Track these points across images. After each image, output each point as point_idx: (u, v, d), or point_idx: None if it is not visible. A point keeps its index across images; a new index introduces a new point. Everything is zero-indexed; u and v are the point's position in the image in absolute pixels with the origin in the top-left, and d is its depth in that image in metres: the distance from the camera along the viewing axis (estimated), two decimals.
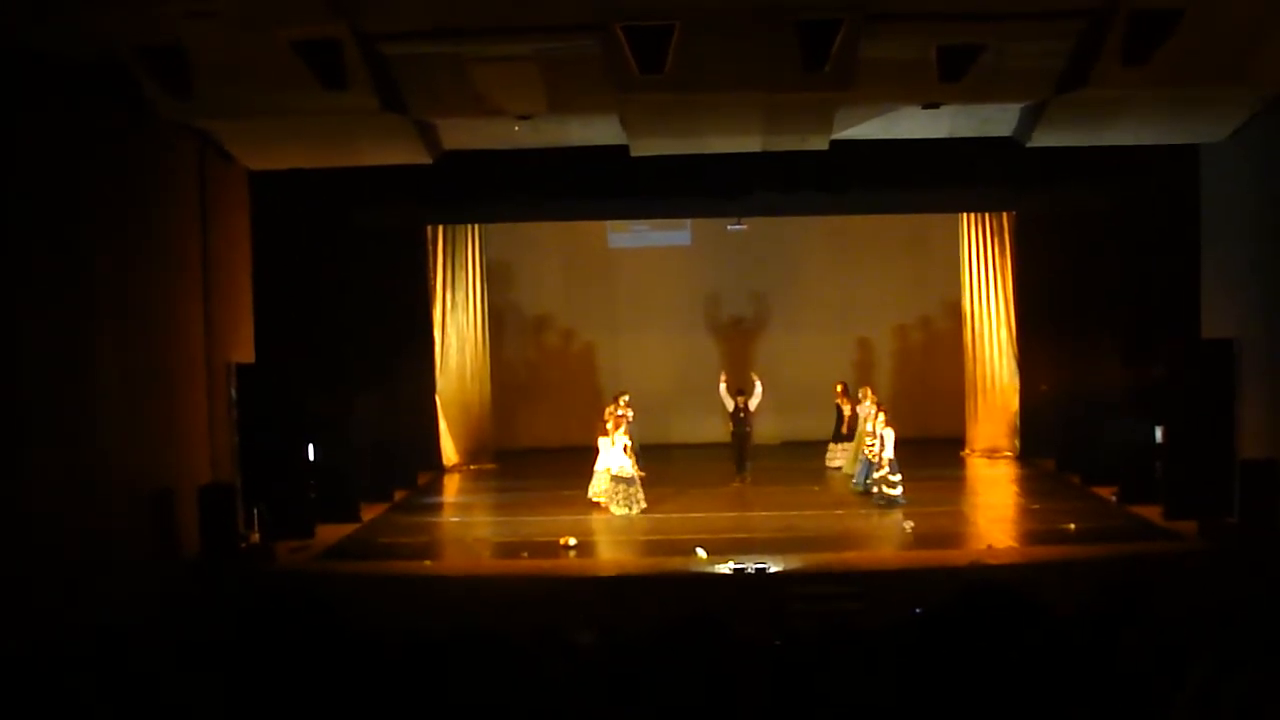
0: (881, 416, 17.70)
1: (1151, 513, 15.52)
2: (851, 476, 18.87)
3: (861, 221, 22.21)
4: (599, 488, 17.39)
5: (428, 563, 14.69)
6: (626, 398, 19.75)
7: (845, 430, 20.22)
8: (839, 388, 20.59)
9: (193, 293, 14.08)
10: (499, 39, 11.68)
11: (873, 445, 17.73)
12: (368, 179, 15.19)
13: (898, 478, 17.11)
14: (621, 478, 17.15)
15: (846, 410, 20.17)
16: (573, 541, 14.98)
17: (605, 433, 17.58)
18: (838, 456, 20.25)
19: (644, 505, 17.09)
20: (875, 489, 17.36)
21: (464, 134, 14.32)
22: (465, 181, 15.69)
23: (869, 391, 19.62)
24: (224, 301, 14.65)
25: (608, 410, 18.51)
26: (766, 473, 19.65)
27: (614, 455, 17.25)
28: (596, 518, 17.01)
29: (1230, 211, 14.55)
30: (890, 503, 17.04)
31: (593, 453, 17.78)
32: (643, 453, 19.27)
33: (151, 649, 4.54)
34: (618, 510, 16.96)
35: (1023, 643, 2.96)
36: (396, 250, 19.54)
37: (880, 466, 17.29)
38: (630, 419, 19.08)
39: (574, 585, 13.10)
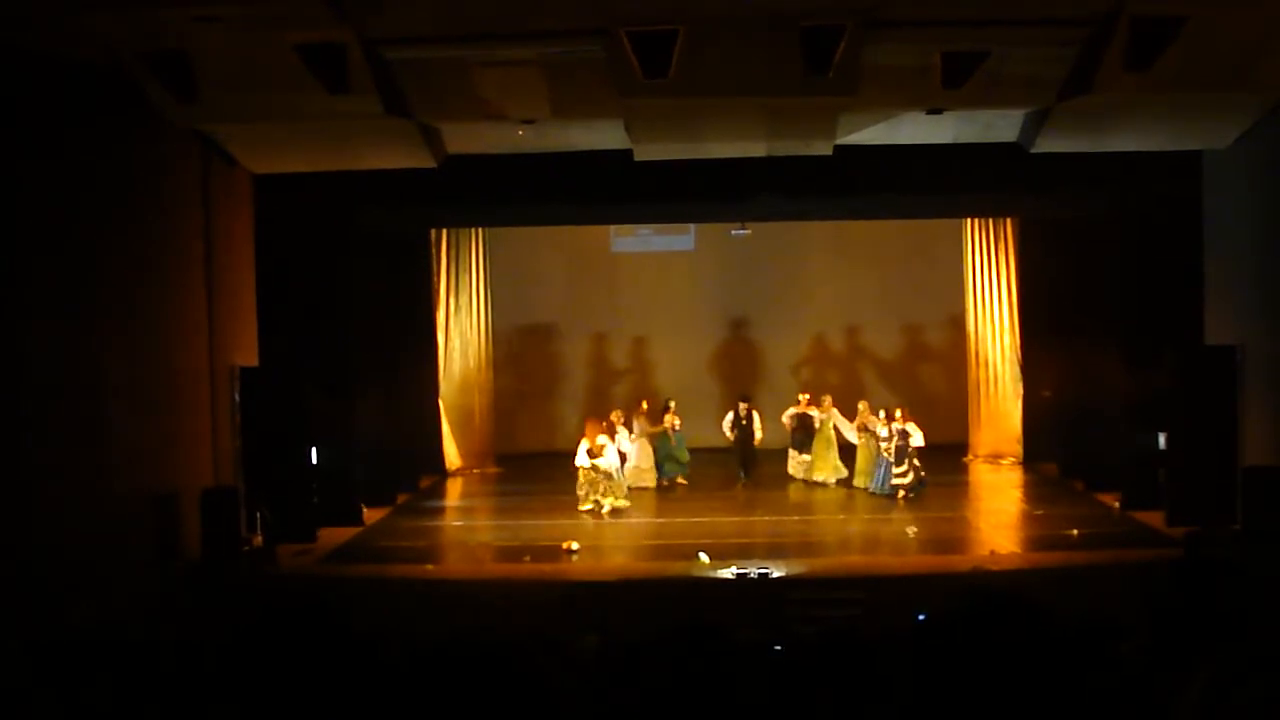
0: (899, 412, 18.09)
1: (1154, 519, 15.50)
2: (838, 481, 19.11)
3: (864, 227, 22.20)
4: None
5: (430, 566, 14.70)
6: (673, 403, 19.88)
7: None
8: (804, 397, 20.08)
9: (196, 296, 14.10)
10: (503, 44, 11.70)
11: (888, 446, 18.00)
12: (371, 183, 15.19)
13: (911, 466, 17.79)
14: (603, 470, 17.56)
15: (826, 418, 19.58)
16: (575, 546, 14.99)
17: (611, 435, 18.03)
18: (800, 467, 19.84)
19: (612, 504, 17.46)
20: (905, 478, 17.77)
21: (468, 138, 14.34)
22: (469, 186, 15.68)
23: (828, 401, 19.62)
24: (227, 305, 14.66)
25: (614, 414, 18.73)
26: (769, 477, 19.66)
27: (610, 453, 17.67)
28: (598, 522, 17.03)
29: (1233, 218, 14.54)
30: (919, 486, 17.75)
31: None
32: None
33: (153, 651, 4.54)
34: (591, 501, 17.44)
35: (1025, 649, 2.96)
36: (400, 254, 19.55)
37: (900, 462, 17.73)
38: (677, 426, 19.48)
39: (576, 589, 13.10)
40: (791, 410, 19.94)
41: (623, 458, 18.38)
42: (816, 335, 23.83)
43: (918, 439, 17.86)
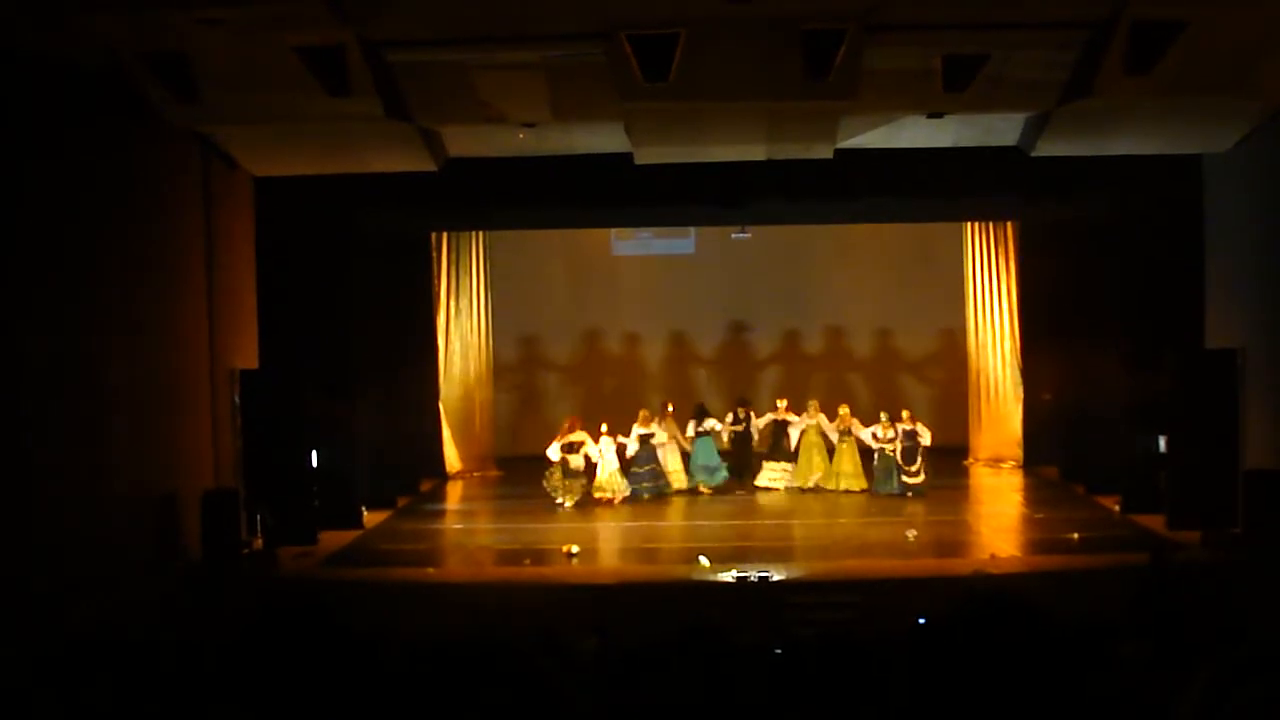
0: (906, 413, 18.73)
1: (1155, 523, 15.49)
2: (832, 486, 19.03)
3: (865, 230, 22.22)
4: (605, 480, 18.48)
5: (430, 570, 14.69)
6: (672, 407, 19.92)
7: (792, 447, 19.40)
8: (782, 403, 19.70)
9: (197, 298, 14.10)
10: (504, 47, 11.70)
11: (891, 448, 18.40)
12: (372, 186, 15.20)
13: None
14: (573, 467, 18.35)
15: (813, 423, 19.30)
16: (575, 549, 14.98)
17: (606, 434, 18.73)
18: (781, 476, 19.42)
19: (569, 499, 18.19)
20: (911, 479, 18.32)
21: (468, 141, 14.34)
22: (469, 188, 15.68)
23: (815, 405, 19.43)
24: (228, 307, 14.66)
25: (642, 414, 19.14)
26: None
27: (592, 452, 18.47)
28: (599, 525, 17.04)
29: (1233, 222, 14.54)
30: (918, 491, 18.26)
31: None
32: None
33: (153, 653, 4.54)
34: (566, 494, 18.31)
35: (1026, 653, 2.95)
36: (401, 257, 19.54)
37: (913, 461, 18.31)
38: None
39: (576, 593, 13.10)
40: (769, 416, 19.73)
41: (633, 458, 18.73)
42: (816, 338, 23.84)
43: (927, 439, 18.42)
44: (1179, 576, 11.09)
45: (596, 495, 18.38)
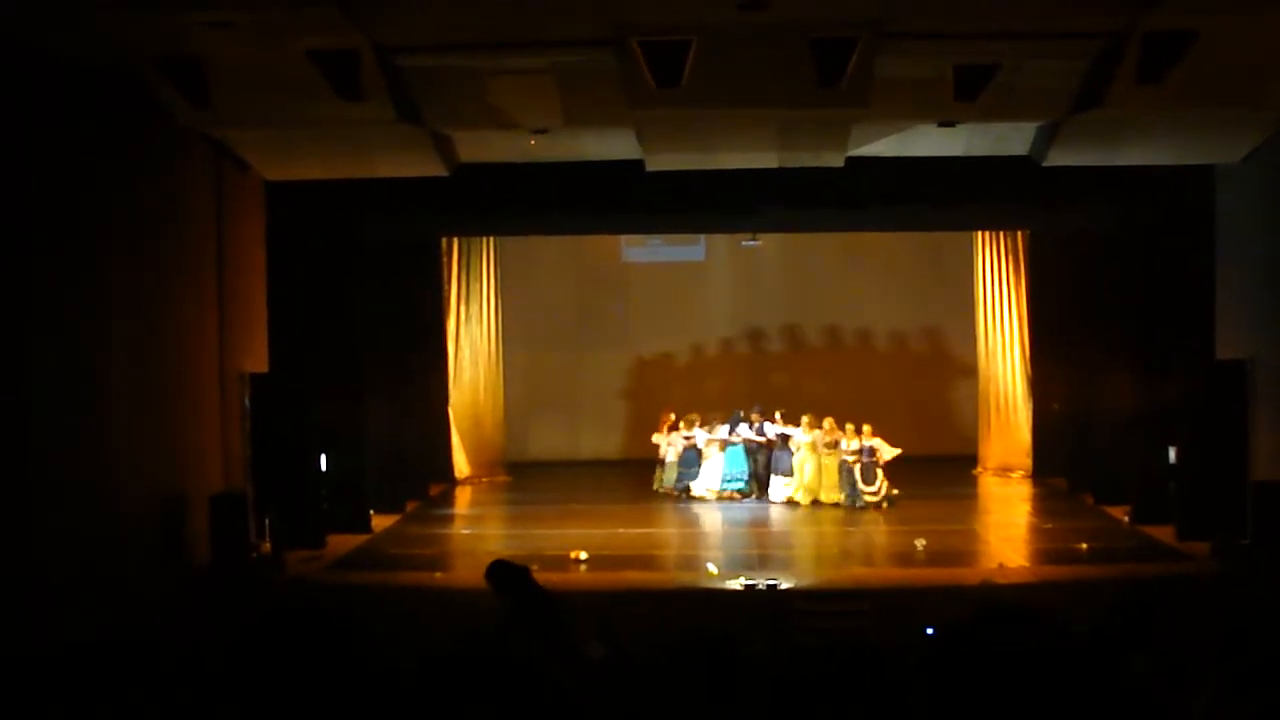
0: (867, 428, 18.55)
1: (1164, 533, 15.46)
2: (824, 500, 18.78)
3: (875, 239, 22.21)
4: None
5: (438, 574, 14.70)
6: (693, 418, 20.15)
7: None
8: (779, 415, 19.47)
9: (207, 301, 14.12)
10: (515, 53, 11.71)
11: (854, 461, 18.39)
12: (383, 190, 15.21)
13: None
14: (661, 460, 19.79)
15: (810, 436, 18.92)
16: (583, 555, 14.98)
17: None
18: (781, 489, 19.11)
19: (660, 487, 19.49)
20: (870, 498, 18.29)
21: (480, 146, 14.36)
22: (480, 194, 15.70)
23: (808, 419, 19.15)
24: (238, 311, 14.68)
25: (690, 416, 19.85)
26: None
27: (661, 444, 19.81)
28: (607, 531, 17.02)
29: (1245, 232, 14.52)
30: (890, 499, 18.33)
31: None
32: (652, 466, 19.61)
33: (160, 658, 4.55)
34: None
35: (1034, 663, 2.95)
36: (411, 262, 19.56)
37: (872, 480, 18.29)
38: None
39: (584, 599, 13.08)
40: (772, 428, 19.48)
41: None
42: (825, 346, 23.81)
43: (886, 453, 18.34)
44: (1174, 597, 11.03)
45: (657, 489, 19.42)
